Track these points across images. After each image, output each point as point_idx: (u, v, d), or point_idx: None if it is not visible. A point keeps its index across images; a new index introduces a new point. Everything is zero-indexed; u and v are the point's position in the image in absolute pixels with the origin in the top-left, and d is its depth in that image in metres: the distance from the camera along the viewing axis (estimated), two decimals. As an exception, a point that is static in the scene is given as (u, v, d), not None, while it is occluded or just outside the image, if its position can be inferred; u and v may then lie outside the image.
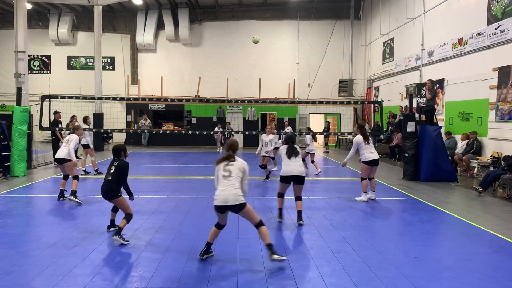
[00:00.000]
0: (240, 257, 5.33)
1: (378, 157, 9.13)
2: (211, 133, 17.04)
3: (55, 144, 14.09)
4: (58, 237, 6.04)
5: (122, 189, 6.17)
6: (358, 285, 4.53)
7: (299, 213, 7.04)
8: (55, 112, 14.53)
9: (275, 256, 4.99)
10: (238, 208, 5.02)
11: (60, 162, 8.78)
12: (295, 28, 24.75)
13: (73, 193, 8.39)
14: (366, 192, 9.00)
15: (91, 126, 15.45)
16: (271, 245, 5.07)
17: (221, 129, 20.55)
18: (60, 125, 14.24)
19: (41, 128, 12.81)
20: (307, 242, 6.03)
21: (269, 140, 11.61)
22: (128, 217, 6.06)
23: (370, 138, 9.15)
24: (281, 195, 7.25)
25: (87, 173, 12.33)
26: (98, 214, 7.49)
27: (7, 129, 11.97)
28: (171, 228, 6.64)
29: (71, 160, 8.72)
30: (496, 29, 11.94)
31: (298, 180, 7.03)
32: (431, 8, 16.13)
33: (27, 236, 6.22)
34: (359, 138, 8.99)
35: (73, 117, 13.57)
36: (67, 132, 14.47)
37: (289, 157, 7.07)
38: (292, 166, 7.01)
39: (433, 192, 10.10)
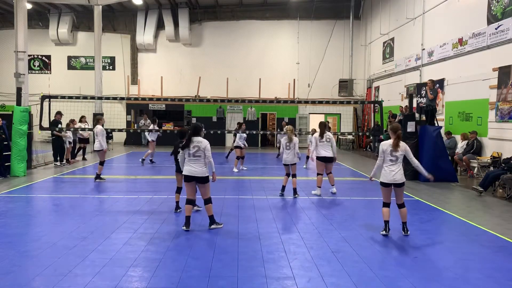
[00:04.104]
0: (240, 257, 5.34)
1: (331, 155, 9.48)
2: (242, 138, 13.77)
3: (55, 144, 14.12)
4: (58, 237, 6.04)
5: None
6: (358, 285, 4.53)
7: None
8: (58, 113, 14.52)
9: (406, 232, 6.44)
10: (401, 185, 6.34)
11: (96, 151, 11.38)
12: (295, 28, 24.74)
13: (97, 176, 10.88)
14: (320, 187, 9.62)
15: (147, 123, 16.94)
16: (405, 224, 6.45)
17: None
18: (59, 125, 14.24)
19: (41, 128, 12.81)
20: (307, 242, 6.03)
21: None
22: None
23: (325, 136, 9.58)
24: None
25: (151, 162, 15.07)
26: (98, 214, 7.50)
27: (7, 129, 11.97)
28: (171, 228, 6.64)
29: (101, 150, 11.03)
30: (496, 29, 11.94)
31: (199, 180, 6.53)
32: (431, 8, 16.13)
33: (27, 236, 6.21)
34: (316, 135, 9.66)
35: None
36: (67, 131, 14.60)
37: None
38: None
39: (433, 192, 10.10)
